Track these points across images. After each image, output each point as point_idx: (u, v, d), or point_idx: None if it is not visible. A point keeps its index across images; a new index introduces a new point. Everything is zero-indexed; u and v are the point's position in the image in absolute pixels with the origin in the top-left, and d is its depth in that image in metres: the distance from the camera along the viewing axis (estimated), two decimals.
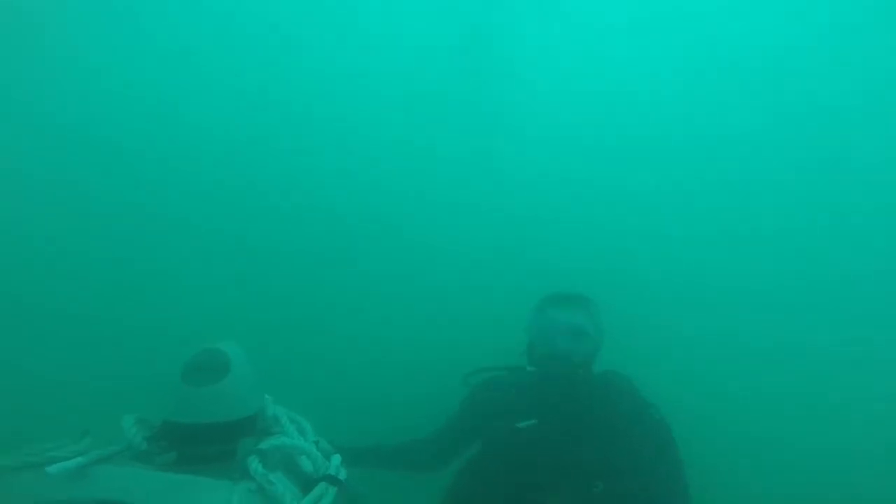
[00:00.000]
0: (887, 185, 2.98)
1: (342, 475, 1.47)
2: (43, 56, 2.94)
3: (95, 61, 2.98)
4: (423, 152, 3.04)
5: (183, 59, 3.04)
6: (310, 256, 2.88)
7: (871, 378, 2.76)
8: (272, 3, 3.19)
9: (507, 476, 1.83)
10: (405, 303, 2.83)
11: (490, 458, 1.90)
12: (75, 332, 2.57)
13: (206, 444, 1.42)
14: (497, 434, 1.91)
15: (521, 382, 2.02)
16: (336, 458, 1.52)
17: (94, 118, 2.95)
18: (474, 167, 3.05)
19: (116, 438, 1.42)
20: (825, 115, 3.03)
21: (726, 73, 3.14)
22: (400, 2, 3.21)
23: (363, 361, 2.69)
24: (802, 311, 2.88)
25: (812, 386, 2.77)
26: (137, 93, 3.00)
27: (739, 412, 2.75)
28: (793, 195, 3.04)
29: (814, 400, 2.76)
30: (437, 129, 3.04)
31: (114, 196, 2.88)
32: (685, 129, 3.14)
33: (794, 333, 2.84)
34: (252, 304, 2.77)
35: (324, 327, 2.73)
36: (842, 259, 2.93)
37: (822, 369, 2.80)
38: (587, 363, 2.01)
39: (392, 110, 3.07)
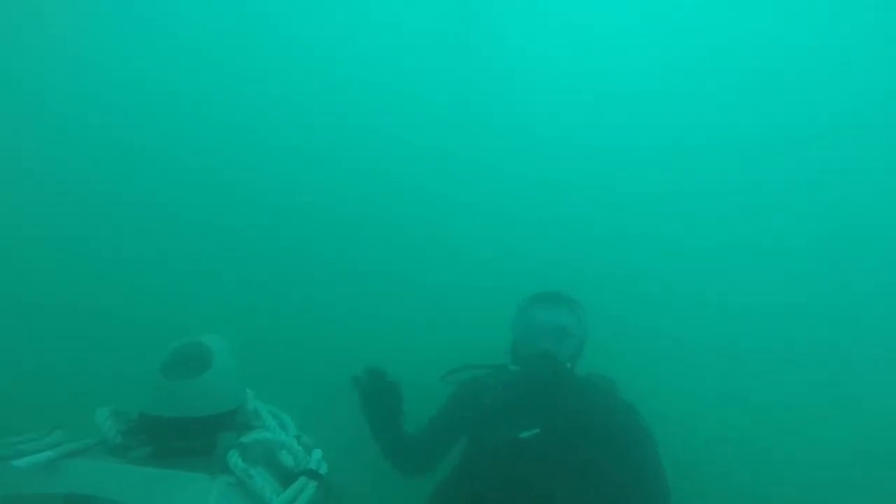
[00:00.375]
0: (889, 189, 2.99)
1: (323, 469, 1.46)
2: (46, 53, 2.92)
3: (100, 57, 2.97)
4: (413, 150, 3.03)
5: (181, 59, 3.02)
6: (299, 253, 2.87)
7: (866, 383, 2.76)
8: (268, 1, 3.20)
9: (506, 484, 1.81)
10: (392, 300, 2.81)
11: (490, 466, 1.86)
12: (55, 325, 2.54)
13: (185, 438, 1.40)
14: (498, 444, 1.87)
15: (508, 383, 1.99)
16: (317, 453, 1.50)
17: (94, 113, 2.93)
18: (464, 166, 3.05)
19: (91, 432, 1.39)
20: (822, 121, 3.04)
21: (733, 74, 3.14)
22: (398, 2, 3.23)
23: (351, 358, 2.66)
24: (799, 314, 2.87)
25: (806, 389, 2.77)
26: (137, 89, 2.99)
27: (728, 416, 2.74)
28: (790, 200, 3.04)
29: (806, 404, 2.76)
30: (429, 128, 3.04)
31: (104, 188, 2.86)
32: (683, 133, 3.14)
33: (790, 337, 2.83)
34: (245, 299, 2.75)
35: (312, 323, 2.71)
36: (840, 262, 2.93)
37: (817, 372, 2.80)
38: (571, 363, 2.00)
39: (386, 108, 3.07)
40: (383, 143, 3.04)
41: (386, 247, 2.91)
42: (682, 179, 3.10)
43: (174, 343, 1.50)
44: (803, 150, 3.06)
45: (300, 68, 3.09)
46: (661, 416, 2.00)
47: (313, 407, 1.73)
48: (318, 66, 3.10)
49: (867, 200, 3.00)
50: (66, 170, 2.84)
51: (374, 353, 2.53)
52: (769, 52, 3.15)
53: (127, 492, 1.21)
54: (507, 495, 1.79)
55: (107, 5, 3.06)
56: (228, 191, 2.93)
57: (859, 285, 2.92)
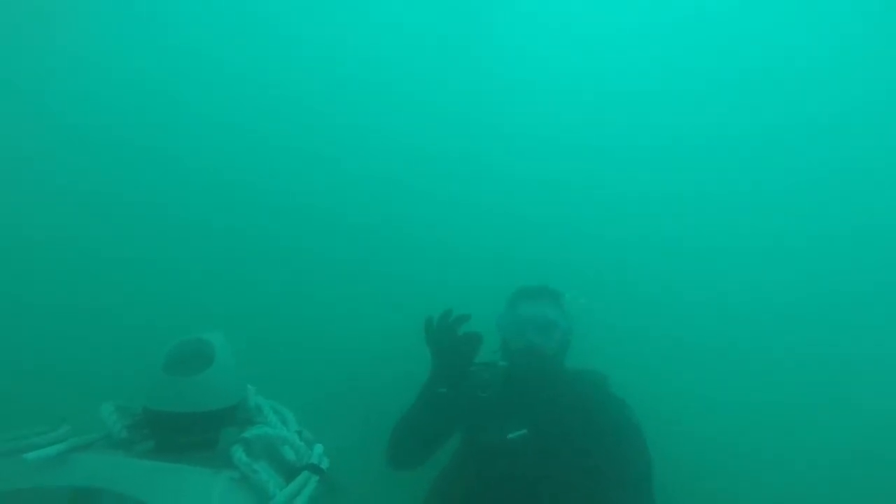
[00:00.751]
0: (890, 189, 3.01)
1: (324, 464, 1.48)
2: (46, 52, 2.89)
3: (101, 57, 2.95)
4: (415, 152, 3.05)
5: (185, 60, 3.02)
6: (300, 254, 2.87)
7: (865, 383, 2.77)
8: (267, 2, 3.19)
9: (496, 484, 1.82)
10: (393, 300, 2.79)
11: (479, 466, 1.87)
12: (55, 324, 2.53)
13: (188, 433, 1.42)
14: (487, 445, 1.88)
15: (499, 379, 2.00)
16: (318, 448, 1.53)
17: (96, 114, 2.91)
18: (460, 166, 3.06)
19: (96, 426, 1.41)
20: (822, 122, 3.06)
21: (732, 75, 3.16)
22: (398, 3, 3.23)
23: (349, 358, 2.66)
24: (798, 315, 2.89)
25: (804, 389, 2.78)
26: (141, 89, 2.98)
27: (725, 415, 2.76)
28: (790, 200, 3.05)
29: (804, 404, 2.78)
30: (431, 128, 3.05)
31: (106, 188, 2.85)
32: (683, 134, 3.15)
33: (789, 337, 2.85)
34: (246, 300, 2.74)
35: (312, 323, 2.71)
36: (839, 262, 2.94)
37: (816, 373, 2.81)
38: (559, 355, 1.99)
39: (386, 109, 3.07)
40: (385, 145, 3.05)
41: (386, 247, 2.91)
42: (682, 180, 3.12)
43: (176, 340, 1.52)
44: (803, 151, 3.08)
45: (303, 69, 3.09)
46: (658, 416, 2.00)
47: (316, 405, 1.74)
48: (320, 67, 3.11)
49: (867, 201, 3.03)
50: (67, 170, 2.83)
51: (375, 352, 2.59)
52: (768, 53, 3.18)
53: (134, 485, 1.23)
54: (498, 496, 1.80)
55: (107, 5, 3.05)
56: (229, 191, 2.93)
57: (859, 286, 2.94)
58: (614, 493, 1.79)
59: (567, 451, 1.84)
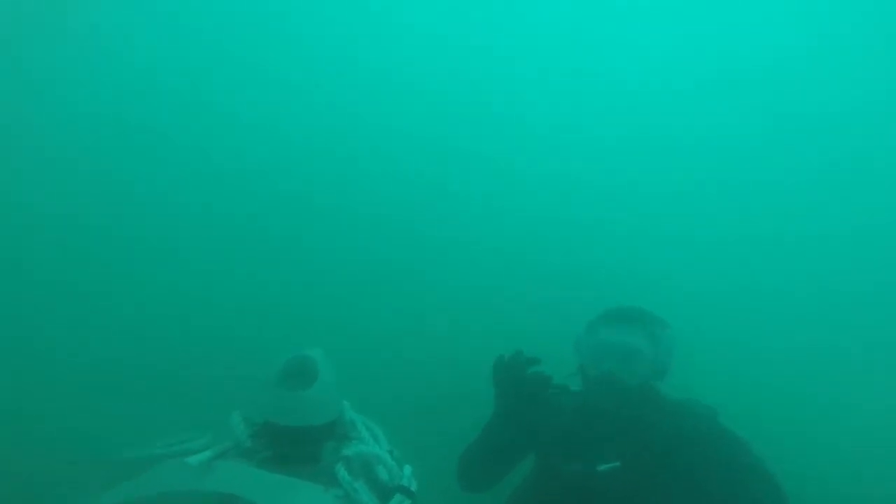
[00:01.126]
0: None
1: (413, 486, 1.62)
2: (61, 48, 2.93)
3: (115, 51, 3.00)
4: (451, 155, 3.09)
5: (194, 58, 3.05)
6: (324, 255, 2.94)
7: (865, 383, 2.75)
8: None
9: None
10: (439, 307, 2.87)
11: (562, 497, 1.80)
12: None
13: (299, 446, 1.60)
14: (575, 476, 1.77)
15: (573, 406, 1.89)
16: (408, 469, 1.66)
17: (143, 117, 2.96)
18: (503, 169, 3.10)
19: (223, 434, 1.60)
20: (825, 119, 3.00)
21: (734, 72, 3.12)
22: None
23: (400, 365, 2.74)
24: (800, 314, 2.89)
25: (805, 389, 2.77)
26: (165, 87, 3.02)
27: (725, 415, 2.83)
28: (791, 199, 3.03)
29: (805, 404, 2.77)
30: (470, 130, 3.10)
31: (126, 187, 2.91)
32: (686, 132, 3.13)
33: (789, 336, 2.83)
34: (260, 301, 2.82)
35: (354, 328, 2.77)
36: (841, 261, 2.93)
37: (817, 372, 2.80)
38: (643, 387, 1.81)
39: (404, 108, 3.10)
40: (418, 148, 3.08)
41: (413, 247, 2.97)
42: (683, 178, 3.10)
43: (285, 356, 1.67)
44: (806, 149, 3.03)
45: (315, 66, 3.11)
46: None
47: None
48: (334, 64, 3.12)
49: (868, 200, 2.99)
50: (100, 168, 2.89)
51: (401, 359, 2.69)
52: (772, 52, 3.12)
53: (260, 495, 1.41)
54: None
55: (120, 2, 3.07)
56: (252, 190, 2.98)
57: (860, 284, 2.91)
58: None
59: (676, 489, 1.70)
